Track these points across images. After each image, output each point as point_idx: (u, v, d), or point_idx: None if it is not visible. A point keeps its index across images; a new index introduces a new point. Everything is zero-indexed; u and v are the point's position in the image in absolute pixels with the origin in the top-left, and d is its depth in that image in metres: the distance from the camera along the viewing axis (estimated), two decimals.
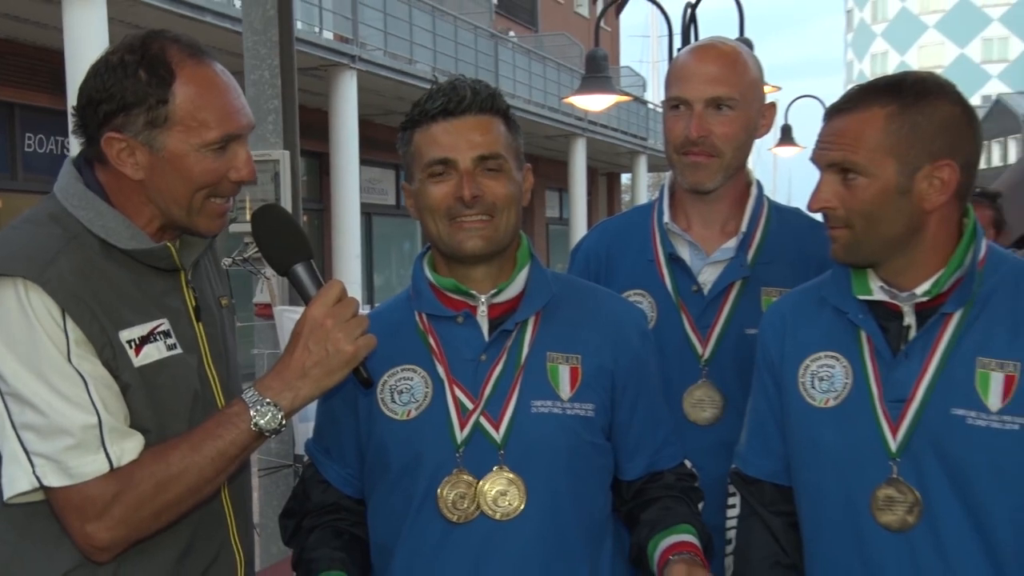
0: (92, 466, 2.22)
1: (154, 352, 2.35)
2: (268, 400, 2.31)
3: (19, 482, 2.23)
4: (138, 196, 2.38)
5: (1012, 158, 45.91)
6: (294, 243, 2.51)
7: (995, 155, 49.86)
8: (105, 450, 2.23)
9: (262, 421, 2.30)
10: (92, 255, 2.32)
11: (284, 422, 2.34)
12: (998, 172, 14.30)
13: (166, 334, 2.38)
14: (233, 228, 6.87)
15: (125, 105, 2.32)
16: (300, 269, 2.47)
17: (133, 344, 2.32)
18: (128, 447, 2.26)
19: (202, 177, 2.37)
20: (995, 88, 64.48)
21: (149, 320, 2.35)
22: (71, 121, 2.41)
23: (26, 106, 17.07)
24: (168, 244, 2.41)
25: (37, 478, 2.21)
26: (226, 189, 2.42)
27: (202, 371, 2.46)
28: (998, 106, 51.86)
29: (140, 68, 2.32)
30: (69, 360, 2.23)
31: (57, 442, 2.21)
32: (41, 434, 2.21)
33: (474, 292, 2.60)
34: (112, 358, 2.29)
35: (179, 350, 2.39)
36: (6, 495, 2.25)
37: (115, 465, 2.23)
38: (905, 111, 2.42)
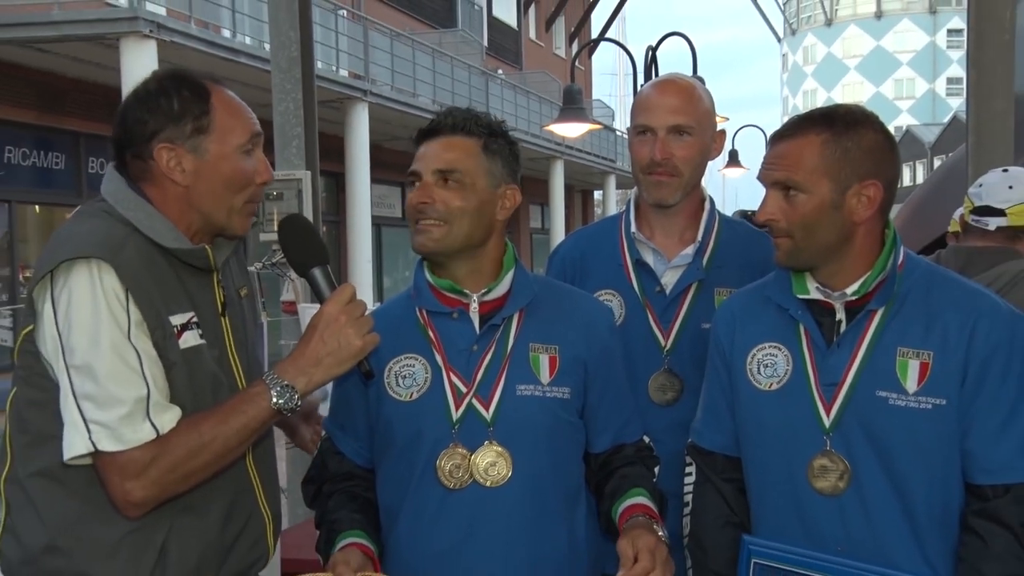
0: (140, 434, 2.21)
1: (191, 339, 2.36)
2: (286, 383, 2.31)
3: (77, 446, 2.20)
4: (181, 205, 2.39)
5: (920, 178, 46.41)
6: (313, 249, 2.53)
7: (906, 176, 50.39)
8: (150, 420, 2.23)
9: (280, 400, 2.31)
10: (147, 249, 2.32)
11: (299, 402, 2.34)
12: (908, 191, 14.45)
13: (196, 324, 2.38)
14: (263, 237, 6.86)
15: (173, 118, 2.34)
16: (317, 272, 2.48)
17: (177, 329, 2.33)
18: (167, 418, 2.26)
19: (237, 177, 2.40)
20: (905, 120, 65.09)
21: (184, 312, 2.36)
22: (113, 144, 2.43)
23: (89, 135, 17.11)
24: (206, 246, 2.41)
25: (92, 443, 2.19)
26: (255, 193, 2.45)
27: (225, 359, 2.46)
28: (907, 135, 52.74)
29: (183, 89, 2.36)
30: (128, 338, 2.23)
31: (112, 411, 2.19)
32: (98, 404, 2.19)
33: (467, 291, 2.60)
34: (162, 339, 2.29)
35: (203, 340, 2.40)
36: (65, 457, 2.22)
37: (160, 434, 2.23)
38: (837, 138, 2.44)
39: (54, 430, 2.25)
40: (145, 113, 2.35)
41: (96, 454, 2.21)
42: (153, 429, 2.22)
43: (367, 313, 2.42)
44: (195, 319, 2.37)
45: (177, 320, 2.33)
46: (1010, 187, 4.11)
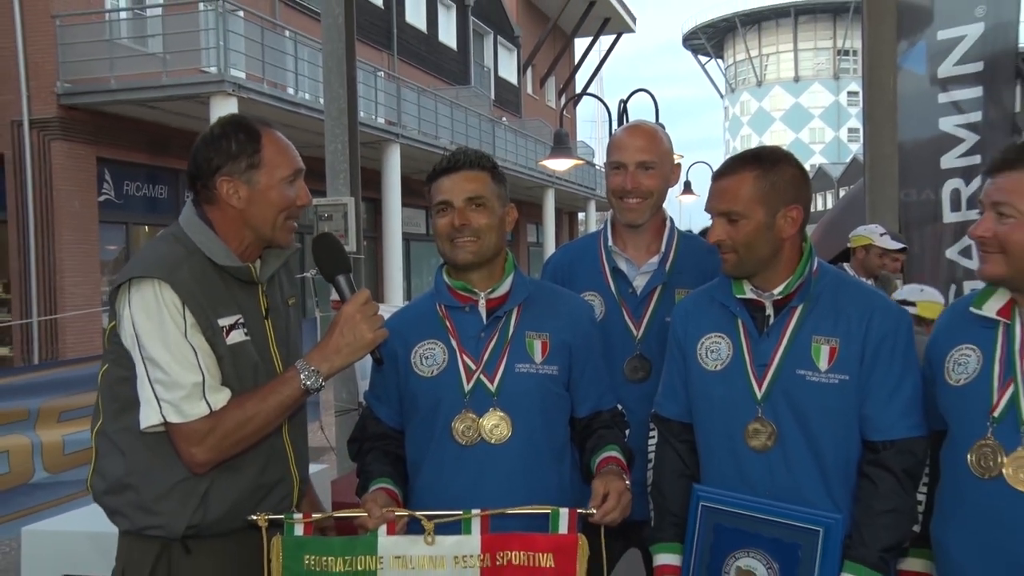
0: (197, 409, 2.28)
1: (236, 336, 2.39)
2: (312, 368, 2.37)
3: (151, 418, 2.29)
4: (237, 224, 2.42)
5: (829, 204, 46.73)
6: (338, 260, 2.55)
7: (818, 203, 50.76)
8: (206, 399, 2.29)
9: (308, 382, 2.36)
10: (202, 266, 2.36)
11: (323, 384, 2.40)
12: (820, 214, 14.59)
13: (242, 325, 2.40)
14: None
15: (231, 157, 2.37)
16: (341, 279, 2.51)
17: (225, 329, 2.36)
18: (219, 398, 2.31)
19: (281, 202, 2.42)
20: (817, 160, 65.42)
21: (233, 315, 2.39)
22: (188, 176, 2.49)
23: (186, 171, 17.06)
24: (251, 265, 2.46)
25: (163, 416, 2.28)
26: (295, 213, 2.47)
27: (266, 352, 2.47)
28: (819, 172, 53.12)
29: (239, 133, 2.40)
30: (185, 336, 2.29)
31: (176, 392, 2.27)
32: (166, 387, 2.27)
33: (476, 290, 2.61)
34: (212, 336, 2.33)
35: (248, 338, 2.42)
36: (142, 426, 2.30)
37: (213, 410, 2.29)
38: (766, 173, 2.45)
39: (136, 399, 2.32)
40: (210, 152, 2.40)
41: (167, 425, 2.27)
42: (208, 406, 2.28)
43: (383, 313, 2.47)
44: (241, 320, 2.40)
45: (225, 322, 2.36)
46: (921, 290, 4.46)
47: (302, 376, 2.36)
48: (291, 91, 17.60)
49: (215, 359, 2.33)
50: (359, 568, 2.34)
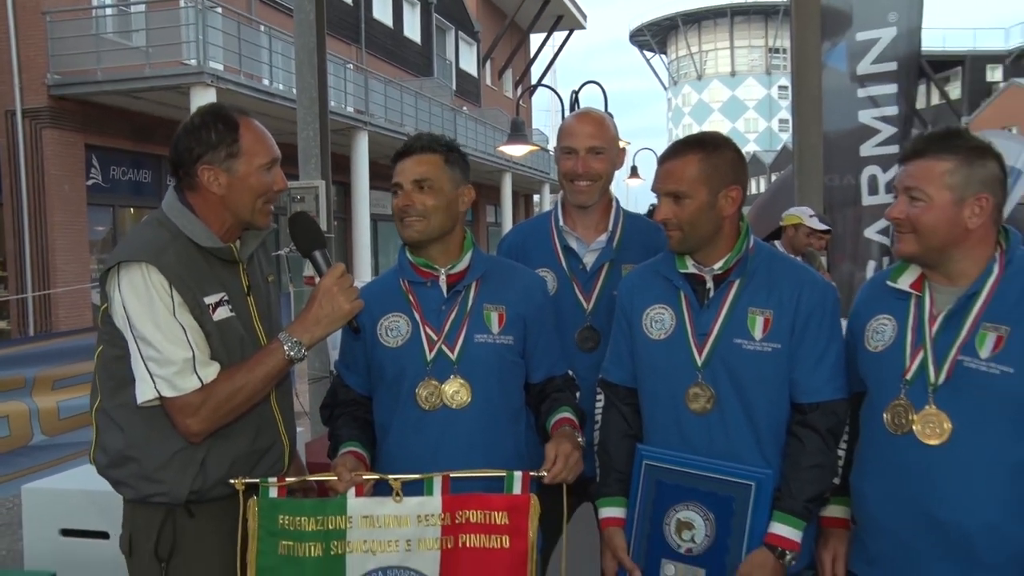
0: (189, 383, 2.25)
1: (221, 313, 2.36)
2: (295, 339, 2.34)
3: (147, 393, 2.26)
4: (218, 209, 2.38)
5: (762, 188, 46.92)
6: (314, 237, 2.53)
7: (753, 187, 51.01)
8: (197, 373, 2.26)
9: (292, 352, 2.34)
10: (186, 248, 2.32)
11: (305, 353, 2.37)
12: (755, 197, 14.73)
13: (227, 302, 2.37)
14: None
15: (211, 146, 2.33)
16: (317, 254, 2.49)
17: (211, 307, 2.33)
18: (209, 371, 2.28)
19: (260, 187, 2.38)
20: (751, 148, 65.67)
21: (218, 292, 2.36)
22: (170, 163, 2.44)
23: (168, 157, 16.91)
24: (232, 245, 2.42)
25: (157, 390, 2.25)
26: (272, 197, 2.43)
27: (250, 326, 2.45)
28: (753, 159, 53.17)
29: (218, 123, 2.35)
30: (174, 315, 2.26)
31: (168, 368, 2.24)
32: (158, 363, 2.24)
33: (437, 266, 2.60)
34: (200, 314, 2.30)
35: (233, 314, 2.39)
36: (139, 401, 2.28)
37: (204, 383, 2.26)
38: (709, 156, 2.45)
39: (132, 376, 2.30)
40: (191, 142, 2.35)
41: (162, 399, 2.26)
42: (199, 380, 2.26)
43: (357, 285, 2.44)
44: (226, 298, 2.37)
45: (210, 300, 2.33)
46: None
47: (286, 347, 2.33)
48: (266, 82, 17.43)
49: (203, 335, 2.30)
50: (330, 527, 2.33)
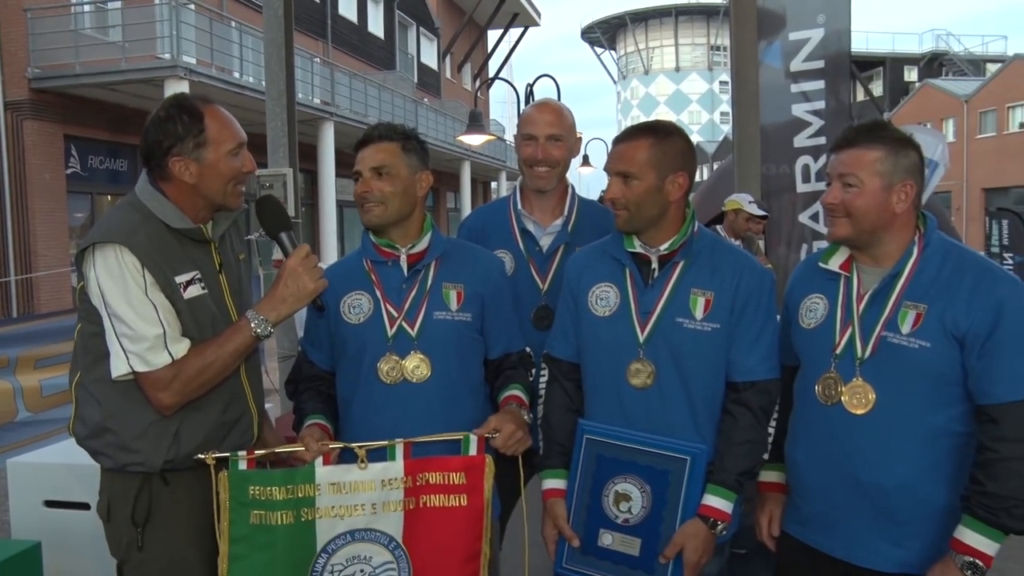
0: (161, 359, 2.24)
1: (194, 291, 2.33)
2: (262, 317, 2.33)
3: (121, 368, 2.25)
4: (190, 194, 2.35)
5: (705, 176, 47.23)
6: (279, 219, 2.50)
7: (696, 175, 51.45)
8: (168, 349, 2.24)
9: (259, 330, 2.33)
10: (157, 230, 2.29)
11: (271, 330, 2.36)
12: (698, 184, 14.87)
13: (199, 280, 2.35)
14: None
15: (179, 139, 2.29)
16: (283, 235, 2.47)
17: (182, 285, 2.30)
18: (180, 348, 2.26)
19: (229, 172, 2.35)
20: (695, 139, 65.58)
21: (189, 271, 2.33)
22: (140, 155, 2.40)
23: None
24: (202, 226, 2.38)
25: (130, 366, 2.24)
26: (242, 179, 2.40)
27: (222, 303, 2.42)
28: (696, 148, 52.99)
29: (183, 115, 2.31)
30: (146, 294, 2.23)
31: (141, 344, 2.23)
32: (131, 340, 2.23)
33: (398, 246, 2.57)
34: (171, 293, 2.28)
35: (206, 291, 2.37)
36: (113, 375, 2.27)
37: (175, 359, 2.24)
38: (659, 142, 2.44)
39: (107, 352, 2.28)
40: (159, 135, 2.31)
41: (135, 373, 2.24)
42: (170, 355, 2.24)
43: (321, 265, 2.42)
44: (198, 276, 2.34)
45: (182, 279, 2.30)
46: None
47: (253, 324, 2.32)
48: (236, 75, 17.19)
49: (174, 313, 2.27)
50: (299, 496, 2.32)
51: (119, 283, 2.21)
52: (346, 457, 2.38)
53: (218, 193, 2.35)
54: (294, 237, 2.49)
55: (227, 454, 2.31)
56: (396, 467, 2.37)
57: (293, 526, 2.32)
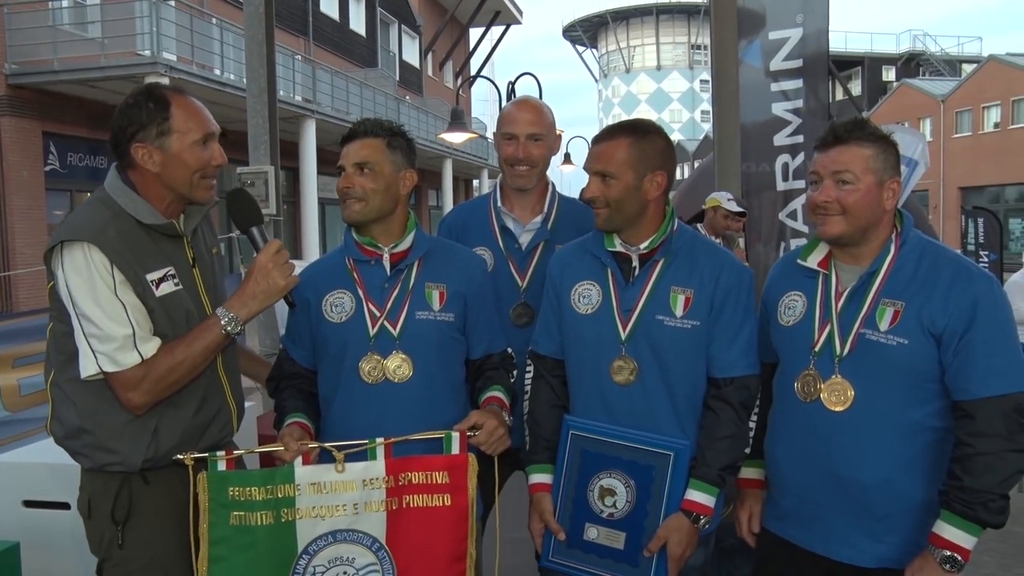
0: (130, 359, 2.19)
1: (167, 288, 2.29)
2: (232, 314, 2.30)
3: (90, 368, 2.21)
4: (156, 185, 2.30)
5: (686, 174, 47.37)
6: (251, 213, 2.47)
7: (676, 173, 51.52)
8: (137, 349, 2.20)
9: (228, 327, 2.29)
10: (128, 226, 2.25)
11: (241, 328, 2.33)
12: (679, 182, 14.85)
13: (173, 276, 2.31)
14: None
15: (143, 125, 2.25)
16: (254, 230, 2.44)
17: (154, 283, 2.26)
18: (150, 347, 2.22)
19: (195, 163, 2.30)
20: (676, 137, 65.77)
21: (162, 267, 2.29)
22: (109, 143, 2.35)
23: None
24: (175, 221, 2.34)
25: (99, 366, 2.20)
26: (210, 172, 2.35)
27: (197, 298, 2.38)
28: (677, 146, 53.35)
29: (148, 102, 2.27)
30: (115, 293, 2.19)
31: (109, 345, 2.18)
32: (99, 340, 2.19)
33: (381, 245, 2.55)
34: (142, 292, 2.23)
35: (180, 287, 2.33)
36: (83, 376, 2.23)
37: (144, 358, 2.20)
38: (638, 141, 2.44)
39: (78, 351, 2.25)
40: (124, 121, 2.27)
41: (107, 374, 2.20)
42: (139, 355, 2.20)
43: (292, 262, 2.39)
44: (172, 272, 2.30)
45: (153, 276, 2.26)
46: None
47: (223, 322, 2.28)
48: (217, 72, 17.10)
49: (145, 312, 2.23)
50: (279, 496, 2.30)
51: (87, 282, 2.17)
52: (327, 457, 2.36)
53: (183, 184, 2.31)
54: (265, 232, 2.46)
55: (205, 455, 2.29)
56: (377, 467, 2.35)
57: (273, 527, 2.30)
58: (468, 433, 2.39)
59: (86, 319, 2.18)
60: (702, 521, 2.40)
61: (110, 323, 2.17)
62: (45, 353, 2.41)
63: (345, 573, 2.37)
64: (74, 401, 2.28)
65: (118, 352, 2.18)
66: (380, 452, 2.36)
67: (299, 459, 2.32)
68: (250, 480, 2.29)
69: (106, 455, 2.27)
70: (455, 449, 2.39)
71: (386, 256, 2.55)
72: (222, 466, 2.29)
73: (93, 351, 2.19)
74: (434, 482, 2.38)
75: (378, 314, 2.50)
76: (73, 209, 15.95)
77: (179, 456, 2.27)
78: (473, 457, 2.40)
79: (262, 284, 2.32)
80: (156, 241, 2.30)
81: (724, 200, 6.06)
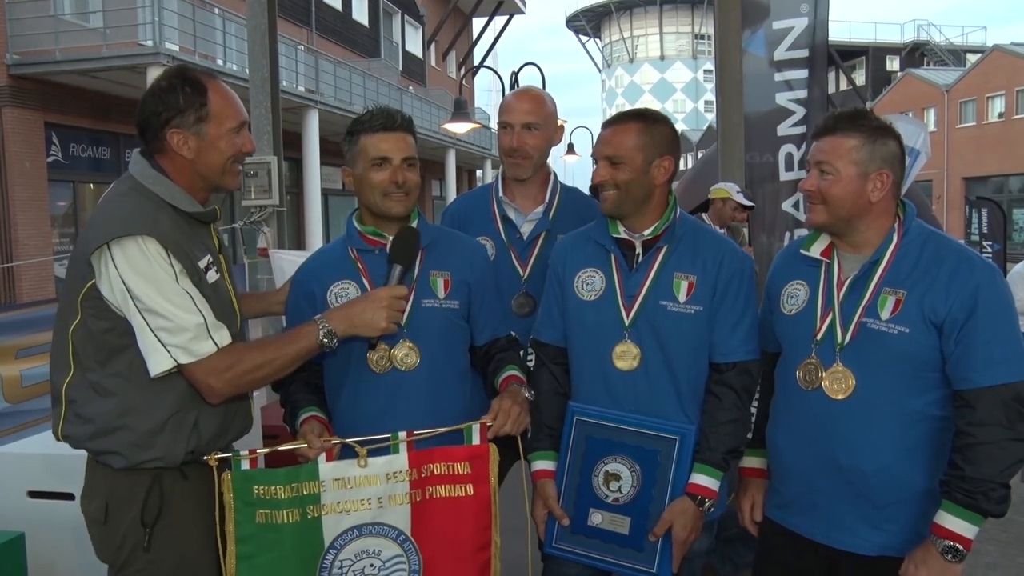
0: (206, 347, 2.14)
1: (212, 276, 2.25)
2: (330, 326, 2.26)
3: (163, 363, 2.13)
4: (188, 172, 2.25)
5: (690, 164, 47.24)
6: (408, 254, 2.43)
7: (680, 163, 51.36)
8: (212, 338, 2.14)
9: (324, 338, 2.25)
10: (171, 214, 2.19)
11: (336, 342, 2.28)
12: (682, 172, 14.93)
13: (214, 264, 2.27)
14: (245, 202, 6.67)
15: (180, 110, 2.20)
16: (396, 268, 2.39)
17: (203, 269, 2.22)
18: (223, 335, 2.17)
19: (229, 150, 2.26)
20: (679, 127, 65.53)
21: (205, 256, 2.25)
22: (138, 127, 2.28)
23: (126, 135, 16.44)
24: (214, 207, 2.31)
25: (174, 359, 2.12)
26: (240, 158, 2.32)
27: (226, 286, 2.34)
28: (681, 136, 53.06)
29: (185, 86, 2.21)
30: (178, 282, 2.12)
31: (183, 336, 2.11)
32: (171, 332, 2.11)
33: (385, 234, 2.54)
34: (198, 280, 2.18)
35: (219, 275, 2.29)
36: (154, 373, 2.13)
37: (220, 346, 2.15)
38: (647, 128, 2.47)
39: (124, 346, 2.16)
40: (159, 106, 2.20)
41: (183, 367, 2.14)
42: (214, 344, 2.14)
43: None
44: (211, 260, 2.26)
45: (202, 263, 2.21)
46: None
47: (320, 331, 2.25)
48: (220, 62, 17.05)
49: (205, 300, 2.17)
50: (304, 493, 2.31)
51: (148, 276, 2.09)
52: (348, 451, 2.36)
53: (216, 172, 2.27)
54: (404, 277, 2.41)
55: (228, 454, 2.28)
56: (400, 460, 2.37)
57: (299, 524, 2.31)
58: (488, 423, 2.39)
59: (153, 313, 2.10)
60: (707, 504, 2.42)
61: (181, 313, 2.11)
62: (54, 354, 2.29)
63: (372, 566, 2.38)
64: (115, 394, 2.18)
65: (193, 342, 2.12)
66: (402, 445, 2.37)
67: (322, 455, 2.32)
68: (274, 479, 2.29)
69: (144, 452, 2.19)
70: (476, 440, 2.40)
71: (389, 245, 2.53)
72: (246, 465, 2.29)
73: (164, 345, 2.11)
74: (456, 473, 2.39)
75: None
76: (76, 200, 16.03)
77: (204, 457, 2.24)
78: (494, 447, 2.41)
79: (367, 314, 2.29)
80: (194, 229, 2.25)
81: (734, 192, 6.07)
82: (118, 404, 2.18)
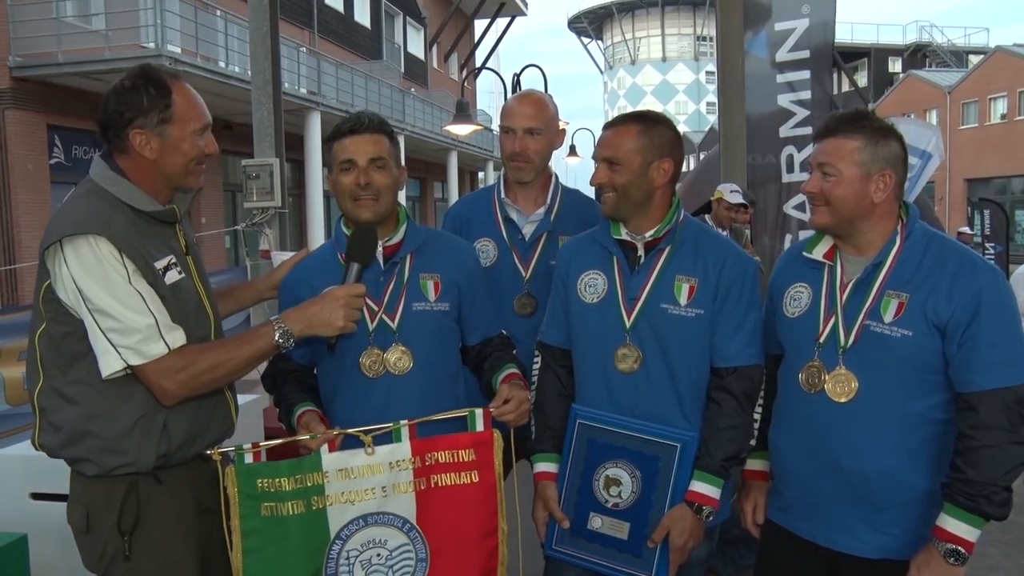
0: (157, 348, 2.10)
1: (173, 276, 2.21)
2: (287, 327, 2.22)
3: (113, 365, 2.10)
4: (150, 172, 2.22)
5: (692, 166, 47.19)
6: (365, 253, 2.38)
7: (683, 165, 51.32)
8: (164, 339, 2.11)
9: (280, 339, 2.21)
10: (127, 215, 2.16)
11: (293, 342, 2.24)
12: (685, 174, 14.87)
13: (175, 265, 2.24)
14: (246, 205, 6.67)
15: (143, 111, 2.16)
16: (355, 266, 2.36)
17: (162, 271, 2.18)
18: (176, 336, 2.14)
19: (192, 152, 2.22)
20: (681, 129, 64.89)
21: (165, 256, 2.21)
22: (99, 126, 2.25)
23: None
24: (174, 207, 2.28)
25: (124, 360, 2.09)
26: (203, 160, 2.28)
27: (193, 286, 2.30)
28: (684, 138, 53.08)
29: (149, 87, 2.17)
30: (130, 283, 2.09)
31: (132, 337, 2.08)
32: (120, 333, 2.08)
33: None
34: (153, 280, 2.14)
35: (184, 275, 2.26)
36: (105, 374, 2.11)
37: (171, 348, 2.12)
38: (646, 130, 2.46)
39: (83, 351, 2.14)
40: (122, 105, 2.17)
41: (135, 368, 2.11)
42: (166, 345, 2.11)
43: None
44: (173, 261, 2.23)
45: (160, 264, 2.17)
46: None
47: (277, 332, 2.21)
48: (222, 64, 17.02)
49: (159, 301, 2.13)
50: (308, 484, 2.31)
51: (98, 276, 2.06)
52: (350, 443, 2.37)
53: (179, 173, 2.23)
54: (359, 275, 2.38)
55: (232, 448, 2.28)
56: (403, 448, 2.37)
57: (305, 515, 2.32)
58: (492, 409, 2.40)
59: (102, 314, 2.08)
60: (706, 512, 2.40)
61: (130, 314, 2.08)
62: (27, 362, 2.26)
63: (379, 555, 2.39)
64: (78, 402, 2.16)
65: (143, 343, 2.09)
66: (405, 433, 2.38)
67: (325, 446, 2.33)
68: (278, 471, 2.30)
69: (114, 457, 2.17)
70: (479, 426, 2.40)
71: (379, 249, 2.53)
72: (249, 459, 2.30)
73: (115, 346, 2.08)
74: (460, 460, 2.40)
75: (376, 308, 2.50)
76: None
77: (208, 452, 2.24)
78: (498, 433, 2.41)
79: (324, 314, 2.24)
80: (153, 229, 2.21)
81: (727, 192, 6.04)
82: (83, 411, 2.16)
